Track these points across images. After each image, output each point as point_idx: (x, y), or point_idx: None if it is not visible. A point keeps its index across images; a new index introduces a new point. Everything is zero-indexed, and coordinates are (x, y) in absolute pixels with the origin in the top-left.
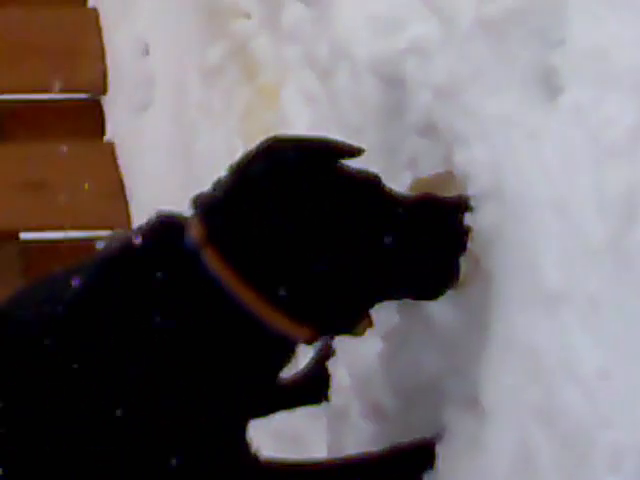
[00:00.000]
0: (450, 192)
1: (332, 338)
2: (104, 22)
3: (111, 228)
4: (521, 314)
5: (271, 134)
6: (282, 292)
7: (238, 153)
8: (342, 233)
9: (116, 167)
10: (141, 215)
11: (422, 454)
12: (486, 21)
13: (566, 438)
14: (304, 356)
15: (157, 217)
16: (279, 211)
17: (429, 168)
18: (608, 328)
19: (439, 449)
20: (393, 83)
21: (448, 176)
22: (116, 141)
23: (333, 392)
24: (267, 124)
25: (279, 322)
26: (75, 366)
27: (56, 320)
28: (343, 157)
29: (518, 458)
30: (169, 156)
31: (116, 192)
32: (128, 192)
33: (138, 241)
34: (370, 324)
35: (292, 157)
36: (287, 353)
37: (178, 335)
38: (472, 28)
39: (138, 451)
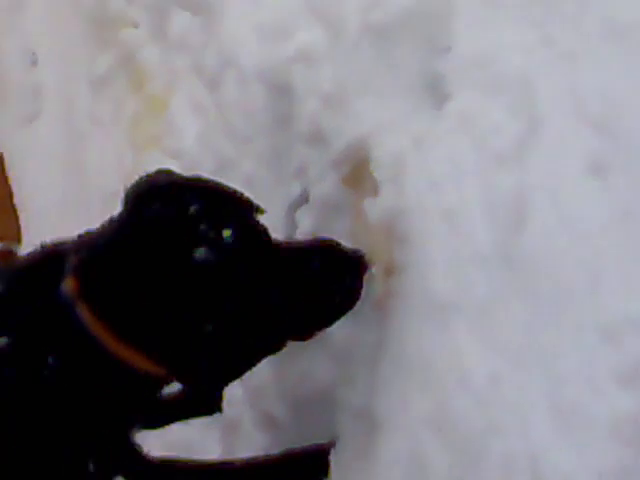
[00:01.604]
0: None
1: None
2: None
3: (0, 240)
4: (412, 323)
5: (159, 143)
6: (157, 349)
7: (127, 162)
8: (219, 296)
9: (5, 178)
10: (31, 226)
11: (315, 460)
12: (372, 28)
13: (458, 446)
14: None
15: (40, 253)
16: (154, 275)
17: (317, 176)
18: (497, 334)
19: (332, 458)
20: (281, 91)
21: None
22: (4, 152)
23: (226, 403)
24: (156, 133)
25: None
26: None
27: None
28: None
29: (411, 467)
30: (59, 166)
31: (5, 204)
32: (18, 203)
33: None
34: None
35: (170, 219)
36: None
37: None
38: (358, 35)
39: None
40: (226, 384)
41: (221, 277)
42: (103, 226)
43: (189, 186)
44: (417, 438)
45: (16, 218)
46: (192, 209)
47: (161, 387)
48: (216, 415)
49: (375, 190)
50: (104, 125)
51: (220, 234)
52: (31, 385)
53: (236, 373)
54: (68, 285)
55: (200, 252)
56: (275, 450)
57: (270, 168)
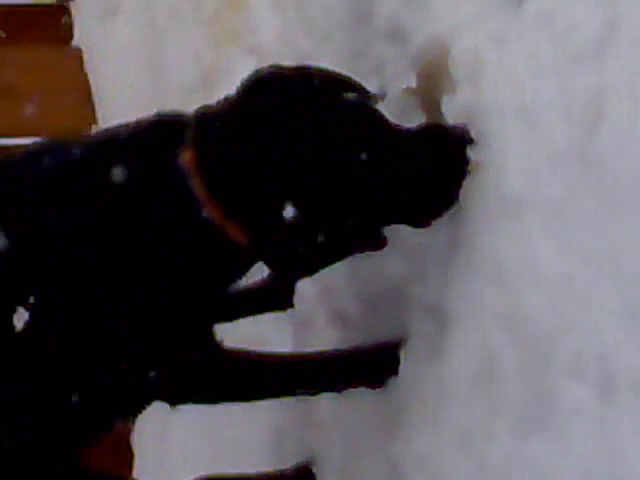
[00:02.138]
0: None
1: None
2: None
3: (79, 134)
4: (485, 221)
5: (238, 39)
6: (265, 234)
7: (206, 57)
8: (335, 170)
9: (84, 72)
10: (108, 120)
11: (385, 356)
12: None
13: (529, 344)
14: None
15: (157, 119)
16: (270, 149)
17: (395, 74)
18: (571, 234)
19: (402, 355)
20: None
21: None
22: (84, 47)
23: (297, 299)
24: (235, 29)
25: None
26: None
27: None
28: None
29: (481, 364)
30: (137, 61)
31: (84, 98)
32: (96, 98)
33: (133, 143)
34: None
35: (290, 94)
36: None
37: (153, 248)
38: None
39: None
40: (317, 270)
41: (332, 149)
42: (220, 102)
43: (309, 70)
44: (488, 335)
45: (93, 112)
46: (312, 81)
47: (251, 266)
48: (288, 311)
49: (453, 88)
50: (183, 21)
51: (340, 102)
52: (136, 252)
53: (332, 259)
54: (186, 157)
55: (314, 123)
56: (346, 346)
57: (348, 64)
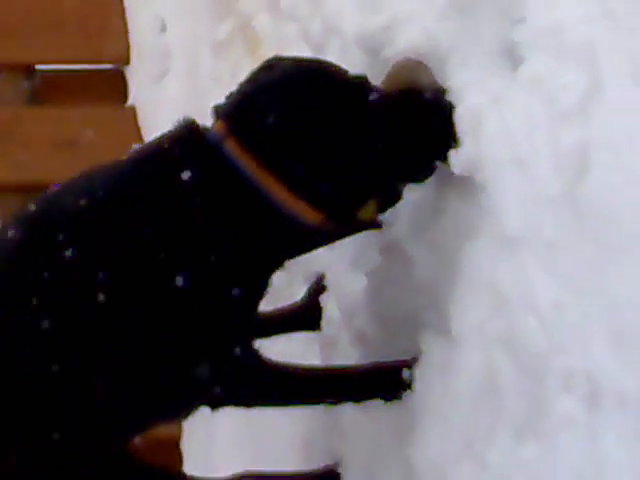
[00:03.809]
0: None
1: (322, 279)
2: (127, 3)
3: None
4: (486, 255)
5: None
6: (297, 175)
7: None
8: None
9: (137, 128)
10: None
11: (401, 372)
12: (458, 1)
13: (525, 363)
14: (299, 291)
15: (181, 122)
16: (292, 103)
17: None
18: (562, 266)
19: (416, 372)
20: (377, 56)
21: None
22: (137, 106)
23: (324, 323)
24: None
25: (295, 204)
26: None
27: (83, 213)
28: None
29: (484, 379)
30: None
31: None
32: None
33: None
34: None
35: (299, 68)
36: (300, 237)
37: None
38: (446, 7)
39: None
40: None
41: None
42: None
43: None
44: (490, 355)
45: None
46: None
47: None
48: (316, 332)
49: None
50: (224, 84)
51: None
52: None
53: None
54: (216, 127)
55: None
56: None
57: None
